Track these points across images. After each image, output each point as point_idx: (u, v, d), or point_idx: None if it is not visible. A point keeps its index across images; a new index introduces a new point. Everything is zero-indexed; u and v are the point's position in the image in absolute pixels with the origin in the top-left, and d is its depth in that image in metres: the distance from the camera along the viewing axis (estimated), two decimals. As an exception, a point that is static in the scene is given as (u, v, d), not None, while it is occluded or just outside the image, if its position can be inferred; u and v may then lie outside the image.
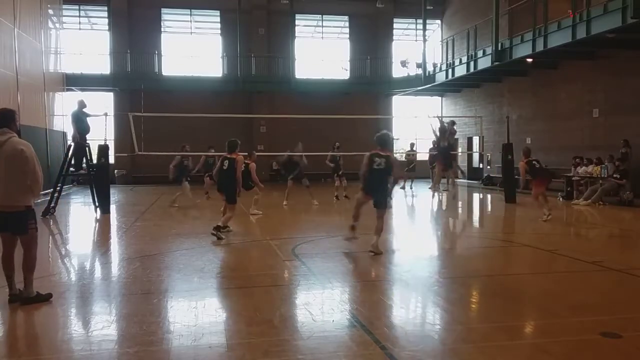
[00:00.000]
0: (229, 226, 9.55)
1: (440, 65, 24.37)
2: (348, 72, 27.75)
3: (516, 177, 14.46)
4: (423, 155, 21.77)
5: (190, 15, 27.16)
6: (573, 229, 11.41)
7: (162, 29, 26.91)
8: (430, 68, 25.23)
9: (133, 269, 7.00)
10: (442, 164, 14.26)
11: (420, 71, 25.62)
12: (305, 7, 27.22)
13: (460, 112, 26.64)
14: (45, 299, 5.39)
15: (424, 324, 4.99)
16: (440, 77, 24.07)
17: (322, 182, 20.42)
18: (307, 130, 24.38)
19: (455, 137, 16.29)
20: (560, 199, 16.07)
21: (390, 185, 8.86)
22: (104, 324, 4.75)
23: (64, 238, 10.57)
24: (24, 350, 4.21)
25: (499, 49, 18.68)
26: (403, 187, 19.40)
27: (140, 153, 15.07)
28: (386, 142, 7.99)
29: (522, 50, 17.68)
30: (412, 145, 22.09)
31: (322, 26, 28.41)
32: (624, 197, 14.45)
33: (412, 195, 18.69)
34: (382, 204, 7.89)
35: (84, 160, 13.90)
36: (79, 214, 14.89)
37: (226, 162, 9.32)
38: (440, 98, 28.80)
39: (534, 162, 11.64)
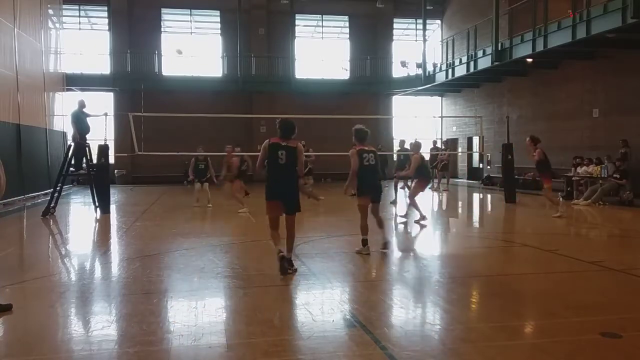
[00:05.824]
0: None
1: (440, 65, 24.38)
2: (348, 72, 27.76)
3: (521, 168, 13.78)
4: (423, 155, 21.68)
5: (190, 15, 27.19)
6: (573, 229, 11.40)
7: (162, 29, 26.93)
8: (430, 68, 25.24)
9: (133, 269, 6.99)
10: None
11: (420, 71, 25.64)
12: (305, 7, 27.24)
13: (460, 112, 26.67)
14: (6, 309, 4.98)
15: (424, 324, 4.98)
16: (440, 77, 24.08)
17: (321, 182, 20.41)
18: (307, 130, 24.35)
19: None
20: (560, 199, 16.06)
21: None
22: (104, 324, 4.74)
23: (64, 238, 10.57)
24: (24, 350, 4.20)
25: (499, 49, 18.69)
26: (403, 187, 19.38)
27: (140, 153, 15.06)
28: (366, 136, 7.76)
29: (522, 50, 17.69)
30: (402, 142, 19.36)
31: (322, 26, 28.42)
32: (624, 197, 14.45)
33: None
34: (380, 198, 7.91)
35: (84, 160, 13.90)
36: (79, 214, 14.88)
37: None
38: (440, 98, 28.81)
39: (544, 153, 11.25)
